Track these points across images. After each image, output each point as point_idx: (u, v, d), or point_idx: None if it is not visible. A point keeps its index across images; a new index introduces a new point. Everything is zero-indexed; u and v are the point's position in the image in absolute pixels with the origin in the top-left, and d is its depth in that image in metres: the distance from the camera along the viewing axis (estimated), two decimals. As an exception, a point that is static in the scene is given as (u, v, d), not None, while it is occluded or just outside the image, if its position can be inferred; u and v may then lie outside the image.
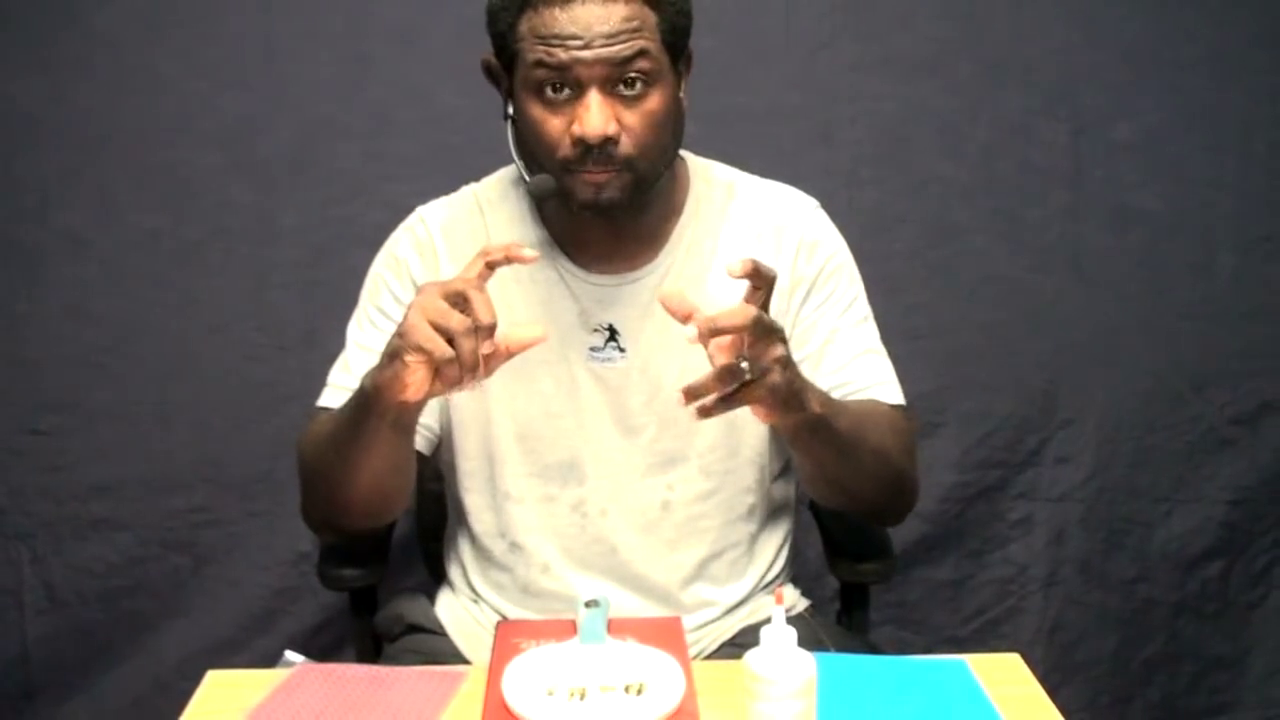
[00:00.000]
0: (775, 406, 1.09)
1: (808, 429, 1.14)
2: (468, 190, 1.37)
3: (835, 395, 1.28)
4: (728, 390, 1.06)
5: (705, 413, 1.07)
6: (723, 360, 1.05)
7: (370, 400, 1.12)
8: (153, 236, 1.90)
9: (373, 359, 1.17)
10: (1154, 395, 2.02)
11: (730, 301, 1.27)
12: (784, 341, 1.08)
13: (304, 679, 1.16)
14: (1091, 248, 1.99)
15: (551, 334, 1.29)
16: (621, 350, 1.29)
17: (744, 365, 1.05)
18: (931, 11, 1.91)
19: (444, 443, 1.36)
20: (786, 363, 1.08)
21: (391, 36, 1.86)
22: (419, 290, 1.07)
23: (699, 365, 1.26)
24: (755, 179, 1.37)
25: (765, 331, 1.05)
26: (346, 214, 1.86)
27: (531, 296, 1.30)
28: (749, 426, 1.31)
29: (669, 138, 1.23)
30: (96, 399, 1.92)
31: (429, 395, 1.09)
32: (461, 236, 1.33)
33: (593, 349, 1.29)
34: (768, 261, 1.30)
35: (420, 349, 1.04)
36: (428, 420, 1.32)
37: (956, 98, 1.93)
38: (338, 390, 1.31)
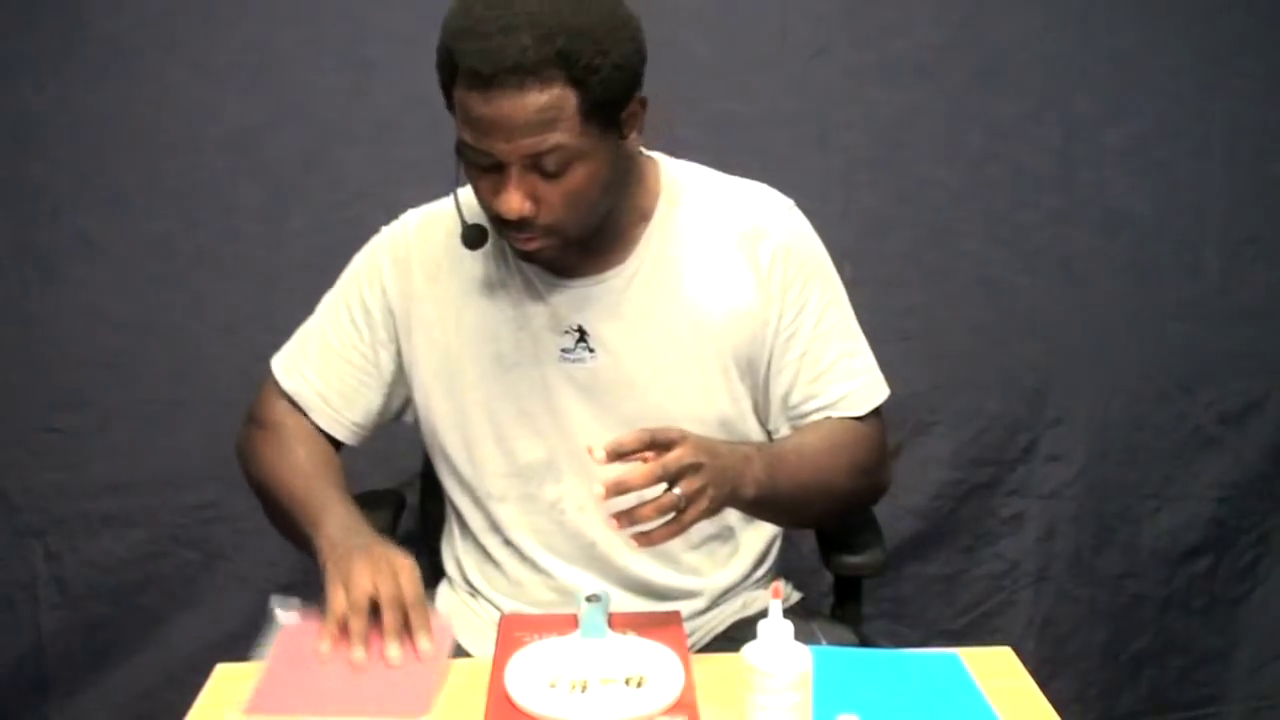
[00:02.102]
0: (714, 513, 1.15)
1: (750, 508, 1.23)
2: (459, 194, 1.38)
3: (808, 407, 1.32)
4: (665, 520, 1.11)
5: (646, 541, 1.12)
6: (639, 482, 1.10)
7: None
8: (163, 239, 1.90)
9: (328, 356, 1.36)
10: (1142, 394, 2.03)
11: (700, 301, 1.29)
12: (700, 471, 1.12)
13: (300, 654, 1.15)
14: (1081, 250, 1.99)
15: (523, 338, 1.30)
16: (591, 351, 1.29)
17: (677, 492, 1.11)
18: (925, 19, 1.91)
19: (431, 446, 1.38)
20: (706, 489, 1.13)
21: (396, 43, 1.86)
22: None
23: (667, 365, 1.28)
24: (730, 180, 1.36)
25: (680, 471, 1.11)
26: (353, 217, 1.84)
27: (503, 302, 1.31)
28: (723, 424, 1.31)
29: (596, 201, 1.21)
30: (109, 398, 1.92)
31: None
32: (436, 242, 1.35)
33: (564, 350, 1.30)
34: (739, 263, 1.30)
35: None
36: (354, 416, 1.38)
37: (950, 103, 1.93)
38: (290, 368, 1.40)
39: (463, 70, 1.13)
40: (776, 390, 1.32)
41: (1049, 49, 1.93)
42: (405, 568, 1.17)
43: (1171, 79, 1.95)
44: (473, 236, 1.26)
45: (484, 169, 1.18)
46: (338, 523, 1.24)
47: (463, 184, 1.26)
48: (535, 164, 1.15)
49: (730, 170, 1.38)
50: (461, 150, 1.18)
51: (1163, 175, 1.98)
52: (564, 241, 1.22)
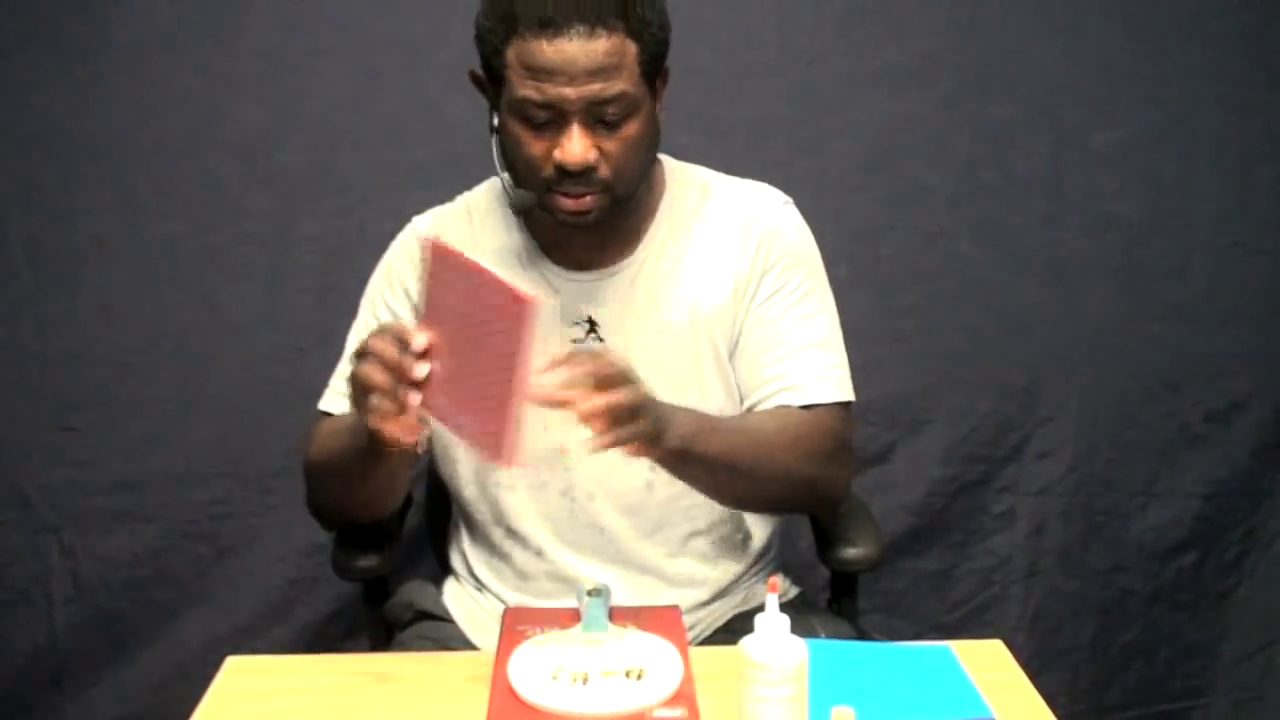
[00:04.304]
0: (639, 447, 1.11)
1: (672, 461, 1.18)
2: (462, 198, 1.40)
3: (771, 388, 1.30)
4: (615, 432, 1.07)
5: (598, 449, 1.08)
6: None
7: (368, 443, 1.14)
8: (175, 242, 1.90)
9: None
10: (1130, 394, 2.03)
11: (696, 291, 1.29)
12: (634, 385, 1.09)
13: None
14: (1071, 253, 1.99)
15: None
16: (601, 341, 1.30)
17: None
18: (919, 28, 1.91)
19: (438, 439, 1.37)
20: (639, 411, 1.09)
21: (402, 51, 1.86)
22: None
23: (669, 354, 1.28)
24: (730, 179, 1.37)
25: (615, 381, 1.07)
26: (360, 221, 1.86)
27: None
28: (724, 410, 1.31)
29: (645, 156, 1.24)
30: (122, 397, 1.92)
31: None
32: (448, 240, 1.34)
33: (574, 341, 1.30)
34: (730, 254, 1.31)
35: (362, 408, 1.08)
36: None
37: (943, 110, 1.94)
38: (336, 395, 1.36)
39: (529, 19, 1.14)
40: (741, 368, 1.32)
41: (1039, 57, 1.93)
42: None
43: (1159, 86, 1.95)
44: (524, 200, 1.24)
45: (540, 127, 1.18)
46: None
47: (500, 165, 1.25)
48: (598, 113, 1.17)
49: (728, 175, 1.39)
50: (518, 109, 1.17)
51: (1150, 180, 1.98)
52: (612, 201, 1.22)
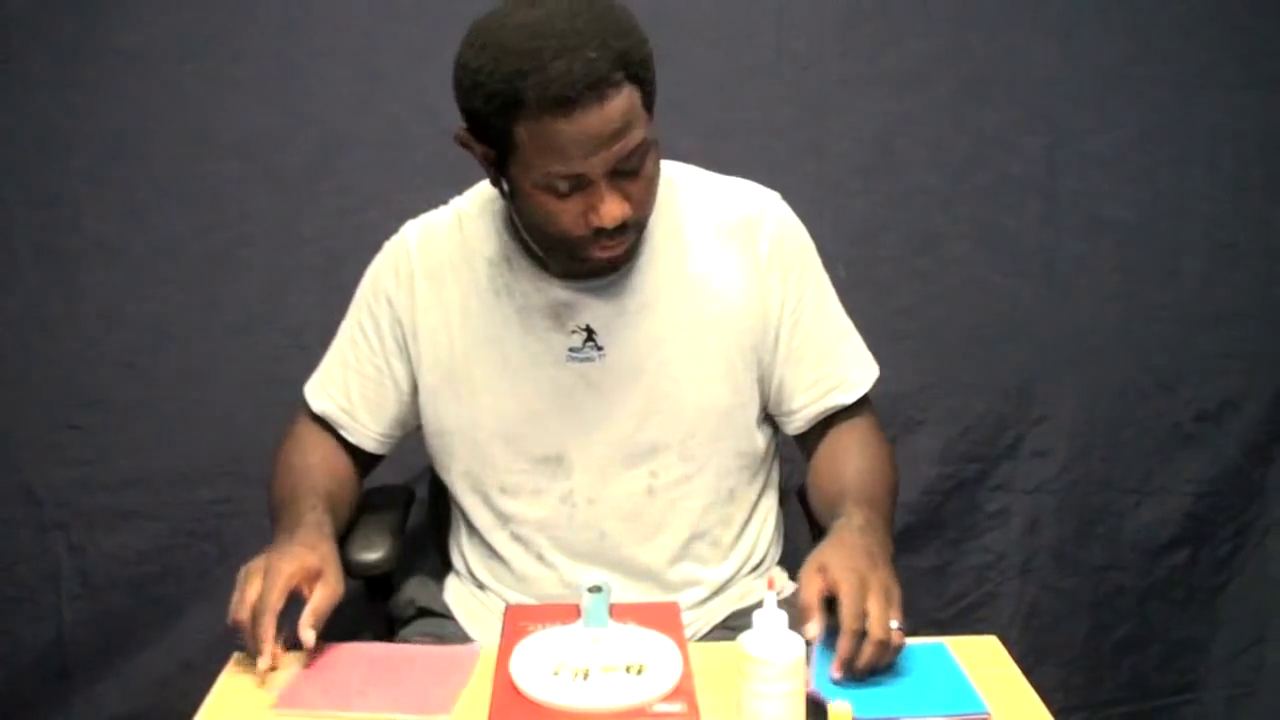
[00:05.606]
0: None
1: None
2: (452, 205, 1.39)
3: (821, 388, 1.34)
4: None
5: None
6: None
7: None
8: (180, 243, 1.90)
9: (347, 372, 1.34)
10: (1124, 393, 2.03)
11: (701, 293, 1.30)
12: (871, 583, 1.12)
13: (328, 657, 1.17)
14: (1066, 254, 1.99)
15: (530, 340, 1.31)
16: (599, 348, 1.30)
17: (894, 625, 1.13)
18: (916, 32, 1.92)
19: (436, 447, 1.38)
20: (886, 593, 1.13)
21: (405, 55, 1.87)
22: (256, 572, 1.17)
23: (672, 357, 1.29)
24: (714, 176, 1.37)
25: (863, 602, 1.10)
26: (362, 222, 1.85)
27: (507, 306, 1.31)
28: (727, 413, 1.32)
29: (658, 180, 1.24)
30: (128, 397, 1.92)
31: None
32: (439, 252, 1.34)
33: (571, 349, 1.30)
34: (735, 254, 1.32)
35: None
36: (379, 427, 1.38)
37: (940, 112, 1.94)
38: (320, 388, 1.40)
39: (536, 102, 1.09)
40: (787, 374, 1.34)
41: (1035, 61, 1.93)
42: (283, 574, 1.16)
43: (1153, 89, 1.95)
44: (567, 265, 1.27)
45: (565, 194, 1.16)
46: (289, 529, 1.26)
47: (525, 218, 1.25)
48: (622, 167, 1.15)
49: (728, 176, 1.39)
50: (542, 183, 1.15)
51: (1145, 182, 1.98)
52: (639, 237, 1.24)
